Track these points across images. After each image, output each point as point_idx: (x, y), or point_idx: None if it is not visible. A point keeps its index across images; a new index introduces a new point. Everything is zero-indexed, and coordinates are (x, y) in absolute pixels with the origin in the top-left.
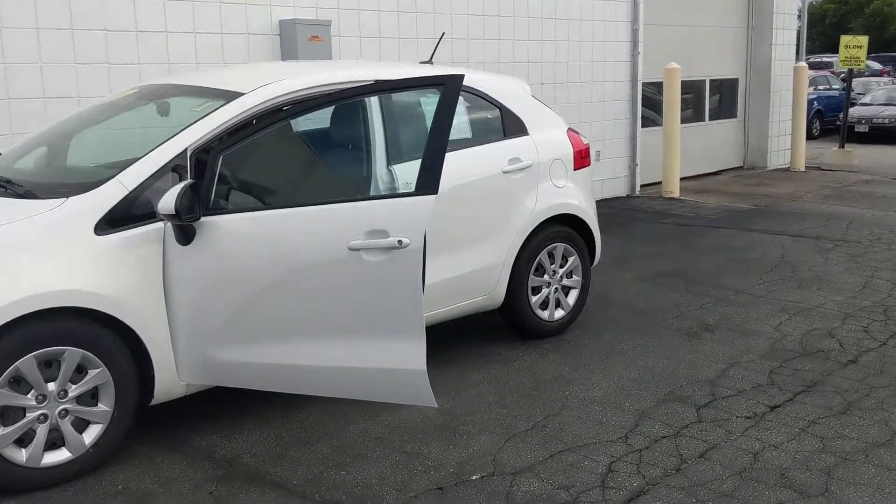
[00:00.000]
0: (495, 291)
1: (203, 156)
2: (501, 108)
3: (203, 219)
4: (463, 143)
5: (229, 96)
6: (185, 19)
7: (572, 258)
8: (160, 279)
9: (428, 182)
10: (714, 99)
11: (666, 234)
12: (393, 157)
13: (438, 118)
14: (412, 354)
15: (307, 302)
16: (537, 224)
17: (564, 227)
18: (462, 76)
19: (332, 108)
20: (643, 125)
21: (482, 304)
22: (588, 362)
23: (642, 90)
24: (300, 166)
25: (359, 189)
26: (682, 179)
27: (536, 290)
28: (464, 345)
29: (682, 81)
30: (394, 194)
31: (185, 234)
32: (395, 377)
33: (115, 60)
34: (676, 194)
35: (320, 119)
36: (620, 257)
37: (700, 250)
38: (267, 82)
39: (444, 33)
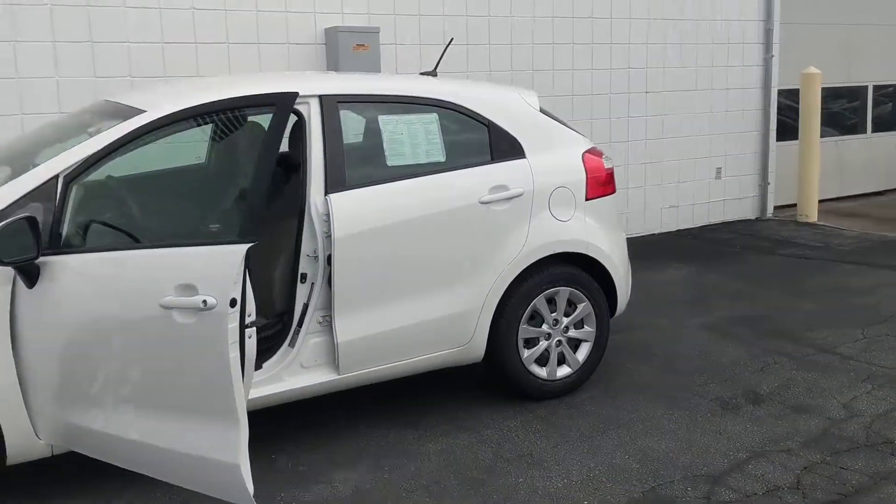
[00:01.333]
0: (472, 343)
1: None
2: (490, 126)
3: (45, 258)
4: (432, 168)
5: (129, 115)
6: (216, 28)
7: (582, 305)
8: (7, 325)
9: (245, 226)
10: (882, 108)
11: (775, 268)
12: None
13: (263, 147)
14: (224, 443)
15: (125, 366)
16: (530, 264)
17: (571, 267)
18: (294, 95)
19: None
20: (788, 138)
21: (457, 357)
22: (575, 437)
23: (787, 99)
24: (159, 200)
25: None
26: (833, 200)
27: (532, 343)
28: (447, 402)
29: (839, 88)
30: (206, 241)
31: (27, 276)
32: (207, 466)
33: (138, 73)
34: (813, 219)
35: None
36: (702, 296)
37: (805, 291)
38: (174, 100)
39: (451, 39)
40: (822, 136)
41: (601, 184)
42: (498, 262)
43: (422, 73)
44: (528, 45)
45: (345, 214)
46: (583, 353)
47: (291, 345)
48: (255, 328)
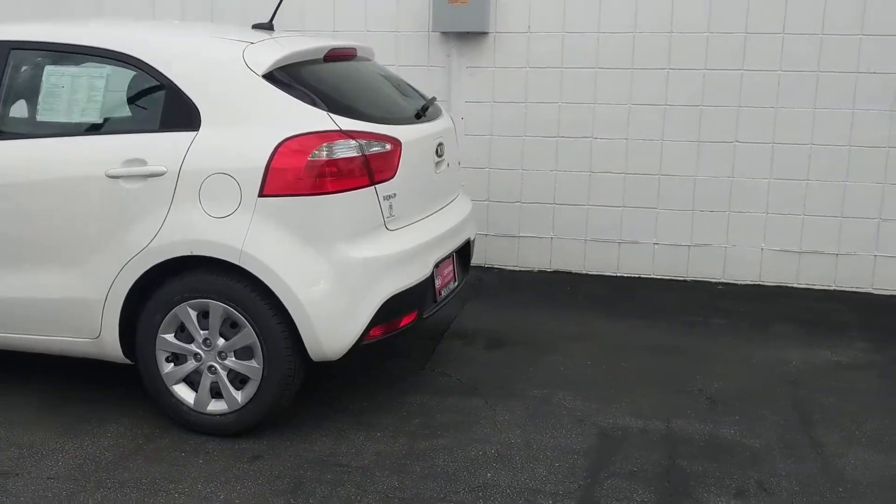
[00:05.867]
0: (103, 339)
1: None
2: (169, 88)
3: None
4: (80, 129)
5: None
6: None
7: (244, 331)
8: None
9: None
10: None
11: None
12: None
13: None
14: None
15: None
16: (161, 261)
17: (228, 279)
18: None
19: None
20: None
21: (94, 350)
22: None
23: None
24: None
25: None
26: None
27: (180, 359)
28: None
29: None
30: None
31: None
32: None
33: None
34: None
35: None
36: (790, 400)
37: None
38: None
39: None
40: None
41: (297, 179)
42: (124, 251)
43: (254, 26)
44: None
45: None
46: (248, 391)
47: None
48: None
